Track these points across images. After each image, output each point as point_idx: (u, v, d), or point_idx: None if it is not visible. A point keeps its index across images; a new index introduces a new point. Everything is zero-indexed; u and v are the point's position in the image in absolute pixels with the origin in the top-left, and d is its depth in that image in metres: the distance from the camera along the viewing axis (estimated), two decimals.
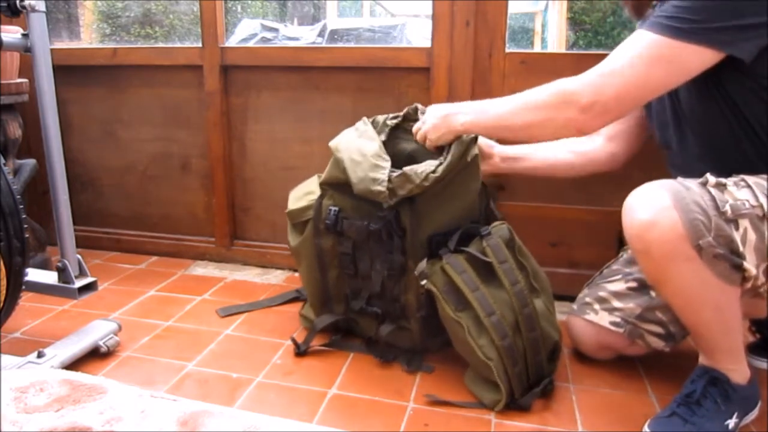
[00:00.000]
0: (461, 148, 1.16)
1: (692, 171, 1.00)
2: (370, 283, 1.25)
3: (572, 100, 0.98)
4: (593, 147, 1.33)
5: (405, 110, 1.30)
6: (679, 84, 0.96)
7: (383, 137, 1.26)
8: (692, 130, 1.09)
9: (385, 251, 1.20)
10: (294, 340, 1.33)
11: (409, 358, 1.26)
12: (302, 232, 1.33)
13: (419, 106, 1.29)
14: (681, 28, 0.91)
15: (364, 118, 1.32)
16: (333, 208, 1.25)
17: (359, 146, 1.22)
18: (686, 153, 1.12)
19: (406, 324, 1.25)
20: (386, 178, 1.13)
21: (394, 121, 1.30)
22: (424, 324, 1.24)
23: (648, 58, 0.94)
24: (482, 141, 1.31)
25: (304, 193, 1.36)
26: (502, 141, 1.33)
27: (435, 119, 1.18)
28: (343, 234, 1.25)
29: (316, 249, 1.30)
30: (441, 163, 1.14)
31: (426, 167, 1.14)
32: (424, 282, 1.14)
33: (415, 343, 1.27)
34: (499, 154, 1.37)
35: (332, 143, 1.28)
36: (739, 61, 0.92)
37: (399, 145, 1.30)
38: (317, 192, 1.31)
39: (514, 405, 1.09)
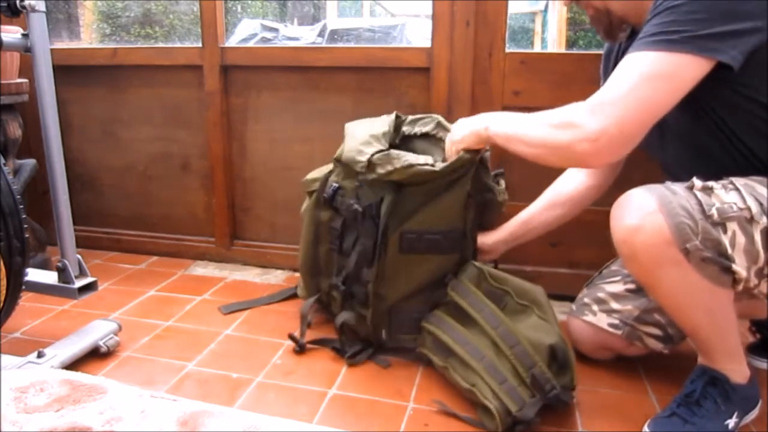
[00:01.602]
0: (461, 161, 1.17)
1: (683, 178, 0.99)
2: (348, 262, 1.28)
3: (578, 132, 0.95)
4: (577, 188, 1.34)
5: (432, 125, 1.33)
6: (678, 100, 0.94)
7: (394, 135, 1.32)
8: (679, 142, 1.09)
9: (362, 233, 1.24)
10: (292, 337, 1.34)
11: (360, 349, 1.29)
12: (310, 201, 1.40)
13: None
14: (671, 40, 0.91)
15: (395, 113, 1.37)
16: (334, 184, 1.31)
17: (367, 128, 1.29)
18: (675, 162, 1.12)
19: (366, 312, 1.27)
20: (371, 153, 1.18)
21: (412, 130, 1.34)
22: (376, 317, 1.26)
23: (645, 78, 0.92)
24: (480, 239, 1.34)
25: (324, 169, 1.43)
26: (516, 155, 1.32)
27: (462, 126, 1.18)
28: (338, 210, 1.31)
29: (314, 219, 1.37)
30: (429, 164, 1.16)
31: (413, 158, 1.16)
32: (417, 349, 1.23)
33: (369, 334, 1.29)
34: (498, 242, 1.38)
35: (347, 123, 1.35)
36: (725, 74, 0.92)
37: (411, 143, 1.35)
38: None
39: (519, 423, 1.02)
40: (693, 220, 0.90)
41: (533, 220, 1.37)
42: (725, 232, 0.91)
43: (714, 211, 0.91)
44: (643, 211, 0.92)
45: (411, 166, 1.14)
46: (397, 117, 1.36)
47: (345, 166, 1.30)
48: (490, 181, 1.30)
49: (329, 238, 1.34)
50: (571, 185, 1.35)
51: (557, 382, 1.05)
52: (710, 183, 0.95)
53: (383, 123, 1.32)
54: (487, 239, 1.37)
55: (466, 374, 1.10)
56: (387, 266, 1.22)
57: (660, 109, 0.94)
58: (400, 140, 1.35)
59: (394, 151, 1.17)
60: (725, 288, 0.94)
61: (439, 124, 1.33)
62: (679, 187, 0.94)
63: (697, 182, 0.94)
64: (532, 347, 1.06)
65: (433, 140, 1.33)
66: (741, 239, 0.91)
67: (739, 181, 0.95)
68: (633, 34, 1.10)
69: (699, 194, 0.93)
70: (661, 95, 0.92)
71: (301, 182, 1.44)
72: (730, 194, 0.93)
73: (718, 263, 0.91)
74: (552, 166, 1.26)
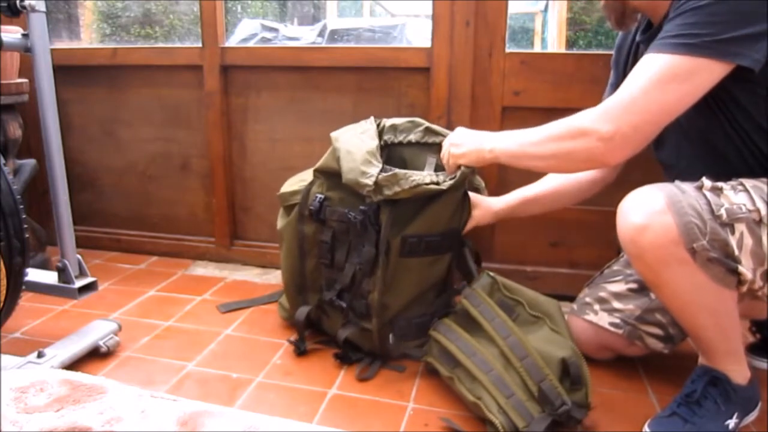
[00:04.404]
0: (465, 177, 1.17)
1: (691, 178, 0.99)
2: (343, 275, 1.26)
3: (591, 133, 0.95)
4: (582, 178, 1.31)
5: (419, 133, 1.32)
6: (693, 103, 0.94)
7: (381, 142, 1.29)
8: (690, 141, 1.08)
9: (360, 243, 1.21)
10: (292, 342, 1.33)
11: (370, 362, 1.27)
12: (289, 216, 1.35)
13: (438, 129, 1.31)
14: (690, 44, 0.90)
15: (372, 117, 1.35)
16: (319, 196, 1.27)
17: (358, 142, 1.24)
18: (683, 161, 1.11)
19: (369, 325, 1.24)
20: (376, 174, 1.15)
21: (395, 138, 1.33)
22: (382, 328, 1.24)
23: (660, 80, 0.92)
24: (475, 198, 1.31)
25: (299, 180, 1.39)
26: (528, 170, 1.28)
27: (463, 141, 1.17)
28: (325, 222, 1.27)
29: (298, 234, 1.32)
30: (436, 183, 1.15)
31: (419, 177, 1.14)
32: (423, 358, 1.22)
33: (374, 347, 1.27)
34: (493, 212, 1.34)
35: (334, 134, 1.30)
36: (744, 75, 0.91)
37: (398, 150, 1.33)
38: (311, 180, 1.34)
39: None
40: (701, 219, 0.89)
41: (537, 201, 1.34)
42: (733, 233, 0.90)
43: (723, 212, 0.90)
44: (651, 210, 0.91)
45: (418, 185, 1.13)
46: (377, 123, 1.33)
47: (329, 177, 1.27)
48: (476, 179, 1.30)
49: (317, 252, 1.30)
50: (576, 174, 1.31)
51: (569, 398, 1.01)
52: (719, 183, 0.94)
53: (371, 135, 1.28)
54: (482, 204, 1.33)
55: (472, 386, 1.07)
56: (388, 274, 1.20)
57: (675, 110, 0.94)
58: (381, 147, 1.30)
59: (400, 172, 1.14)
60: (730, 289, 0.94)
61: (427, 130, 1.31)
62: (688, 187, 0.94)
63: (707, 182, 0.94)
64: (542, 360, 1.04)
65: (422, 146, 1.31)
66: (748, 241, 0.91)
67: (748, 183, 0.95)
68: (648, 29, 1.10)
69: (708, 194, 0.92)
70: (676, 98, 0.92)
71: (277, 196, 1.39)
72: (739, 195, 0.93)
73: (724, 264, 0.91)
74: (567, 173, 1.26)
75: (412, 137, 1.32)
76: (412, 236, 1.19)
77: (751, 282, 0.92)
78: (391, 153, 1.33)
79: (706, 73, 0.91)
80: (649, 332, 1.18)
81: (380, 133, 1.33)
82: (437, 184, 1.15)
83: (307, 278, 1.34)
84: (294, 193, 1.34)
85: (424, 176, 1.15)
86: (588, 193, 1.34)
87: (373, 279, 1.21)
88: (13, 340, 1.37)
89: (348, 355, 1.27)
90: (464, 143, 1.16)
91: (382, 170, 1.16)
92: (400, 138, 1.32)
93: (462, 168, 1.17)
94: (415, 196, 1.16)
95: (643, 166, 1.27)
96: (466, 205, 1.26)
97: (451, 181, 1.16)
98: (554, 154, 1.02)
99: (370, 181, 1.14)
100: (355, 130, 1.31)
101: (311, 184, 1.31)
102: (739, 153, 1.01)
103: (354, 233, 1.22)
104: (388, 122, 1.34)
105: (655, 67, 0.93)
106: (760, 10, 0.88)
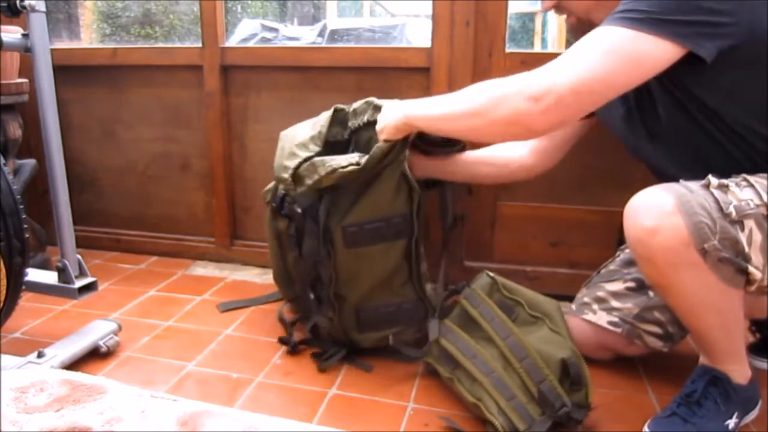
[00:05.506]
0: (381, 152, 1.14)
1: (683, 178, 0.98)
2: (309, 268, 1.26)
3: (522, 90, 0.90)
4: (513, 157, 1.31)
5: (370, 112, 1.30)
6: (638, 82, 0.92)
7: (340, 130, 1.32)
8: (673, 143, 1.07)
9: (307, 235, 1.22)
10: (281, 340, 1.34)
11: (334, 352, 1.27)
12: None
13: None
14: (637, 19, 0.88)
15: (336, 105, 1.34)
16: (282, 192, 1.29)
17: (295, 134, 1.26)
18: (672, 164, 1.10)
19: (334, 315, 1.25)
20: (294, 166, 1.14)
21: (356, 121, 1.32)
22: (342, 319, 1.25)
23: (605, 50, 0.90)
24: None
25: None
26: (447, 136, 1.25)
27: (381, 115, 1.17)
28: (291, 217, 1.28)
29: (274, 230, 1.36)
30: (355, 164, 1.13)
31: (337, 162, 1.13)
32: (423, 359, 1.21)
33: (340, 338, 1.27)
34: (424, 162, 1.33)
35: (282, 132, 1.34)
36: (707, 73, 0.90)
37: (360, 134, 1.32)
38: None
39: None
40: (711, 219, 0.89)
41: (467, 167, 1.33)
42: (742, 230, 0.89)
43: (732, 209, 0.89)
44: (660, 212, 0.90)
45: (334, 170, 1.12)
46: (339, 110, 1.33)
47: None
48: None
49: (291, 246, 1.31)
50: (509, 152, 1.32)
51: (569, 399, 1.01)
52: (725, 180, 0.93)
53: (317, 125, 1.28)
54: (422, 157, 1.32)
55: (472, 388, 1.07)
56: (339, 265, 1.21)
57: (616, 85, 0.92)
58: (350, 134, 1.31)
59: (317, 159, 1.13)
60: (737, 288, 0.93)
61: (375, 108, 1.29)
62: (695, 185, 0.93)
63: (713, 180, 0.93)
64: (542, 360, 1.03)
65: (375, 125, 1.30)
66: (758, 236, 0.90)
67: (751, 178, 0.94)
68: None
69: (716, 192, 0.91)
70: (618, 70, 0.90)
71: (262, 195, 1.43)
72: (744, 191, 0.92)
73: (734, 264, 0.90)
74: (487, 141, 1.23)
75: (366, 117, 1.30)
76: (351, 225, 1.18)
77: (759, 281, 0.91)
78: (357, 138, 1.32)
79: (653, 50, 0.88)
80: (648, 331, 1.18)
81: (345, 120, 1.33)
82: (357, 165, 1.12)
83: (291, 272, 1.36)
84: (269, 191, 1.40)
85: (341, 160, 1.13)
86: (514, 174, 1.33)
87: (326, 270, 1.21)
88: (13, 340, 1.37)
89: (323, 353, 1.28)
90: (381, 118, 1.16)
91: (316, 155, 1.15)
92: (359, 120, 1.31)
93: (379, 144, 1.14)
94: (340, 181, 1.14)
95: (644, 166, 1.27)
96: (413, 186, 1.22)
97: (367, 159, 1.13)
98: (476, 111, 0.97)
99: (287, 174, 1.15)
100: (308, 123, 1.32)
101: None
102: (729, 155, 1.00)
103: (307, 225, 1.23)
104: (351, 108, 1.33)
105: (600, 37, 0.91)
106: (713, 6, 0.87)
